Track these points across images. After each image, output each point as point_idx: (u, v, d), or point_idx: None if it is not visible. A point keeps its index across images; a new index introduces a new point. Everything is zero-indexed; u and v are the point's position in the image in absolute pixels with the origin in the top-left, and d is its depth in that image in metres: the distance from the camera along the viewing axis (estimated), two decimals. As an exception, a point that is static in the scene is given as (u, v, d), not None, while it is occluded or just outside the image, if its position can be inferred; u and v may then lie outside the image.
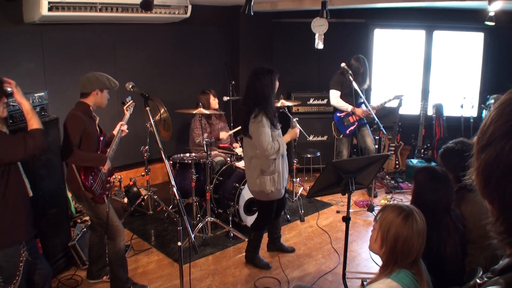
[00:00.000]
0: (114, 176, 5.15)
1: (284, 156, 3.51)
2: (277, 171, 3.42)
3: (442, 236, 2.16)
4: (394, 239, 1.78)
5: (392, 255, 1.80)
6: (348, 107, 5.05)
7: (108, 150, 3.21)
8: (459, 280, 2.17)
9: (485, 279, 0.83)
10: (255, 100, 3.31)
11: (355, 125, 5.14)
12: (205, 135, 4.64)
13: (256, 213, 4.26)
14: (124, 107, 3.45)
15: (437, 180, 2.25)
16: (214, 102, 4.99)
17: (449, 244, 2.16)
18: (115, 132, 3.35)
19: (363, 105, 5.04)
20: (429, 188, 2.23)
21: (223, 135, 4.97)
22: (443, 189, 2.21)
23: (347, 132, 5.16)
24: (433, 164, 5.76)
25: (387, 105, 5.11)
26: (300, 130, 3.72)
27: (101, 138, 3.16)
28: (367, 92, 5.62)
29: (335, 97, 5.11)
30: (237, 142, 5.10)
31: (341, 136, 5.22)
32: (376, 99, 5.83)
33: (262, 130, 3.24)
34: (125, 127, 3.37)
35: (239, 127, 4.87)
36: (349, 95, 4.91)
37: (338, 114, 5.17)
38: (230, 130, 5.25)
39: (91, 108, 3.07)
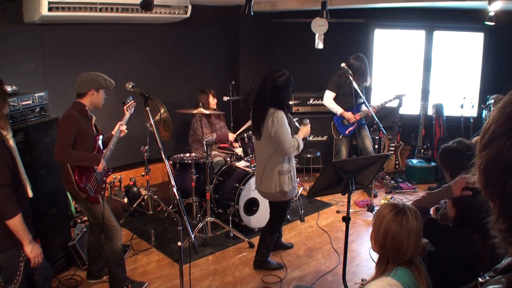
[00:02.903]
0: (114, 176, 5.16)
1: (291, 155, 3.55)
2: (292, 169, 3.47)
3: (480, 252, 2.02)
4: (384, 235, 1.79)
5: (383, 252, 1.81)
6: (338, 110, 5.06)
7: (105, 150, 3.19)
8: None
9: (487, 278, 0.83)
10: (271, 101, 3.29)
11: (354, 126, 5.14)
12: (214, 134, 4.61)
13: (256, 213, 4.28)
14: (125, 107, 3.44)
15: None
16: (213, 102, 5.00)
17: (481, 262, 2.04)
18: (114, 132, 3.33)
19: (363, 105, 5.04)
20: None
21: (231, 136, 4.96)
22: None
23: (346, 132, 5.17)
24: (432, 164, 5.77)
25: (387, 105, 5.10)
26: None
27: (98, 138, 3.15)
28: (367, 91, 5.61)
29: (327, 97, 5.15)
30: (237, 142, 5.08)
31: (340, 137, 5.24)
32: (376, 99, 5.82)
33: (283, 129, 3.25)
34: (124, 127, 3.35)
35: (245, 126, 4.87)
36: (349, 95, 4.91)
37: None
38: (229, 129, 5.24)
39: (86, 108, 3.06)
